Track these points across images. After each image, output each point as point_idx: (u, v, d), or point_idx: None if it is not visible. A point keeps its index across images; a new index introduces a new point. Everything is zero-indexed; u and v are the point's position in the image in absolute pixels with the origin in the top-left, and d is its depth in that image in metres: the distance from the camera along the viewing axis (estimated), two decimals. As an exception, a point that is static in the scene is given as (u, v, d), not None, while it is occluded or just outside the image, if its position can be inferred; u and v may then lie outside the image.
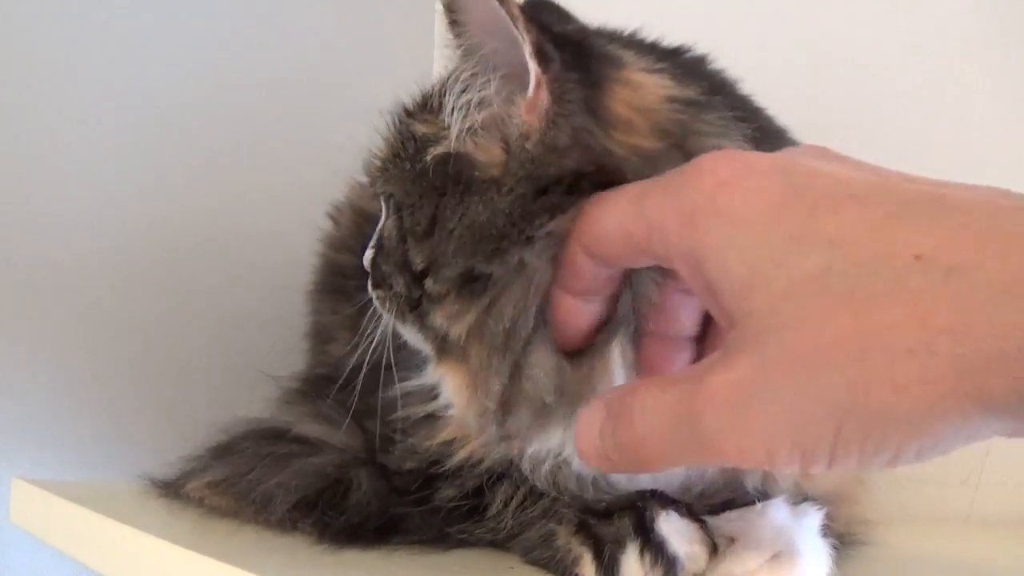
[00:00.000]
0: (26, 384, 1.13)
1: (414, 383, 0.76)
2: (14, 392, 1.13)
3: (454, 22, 0.64)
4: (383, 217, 0.75)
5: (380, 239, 0.75)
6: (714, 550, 0.60)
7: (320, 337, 1.11)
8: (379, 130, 0.73)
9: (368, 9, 1.47)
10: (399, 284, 0.71)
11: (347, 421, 0.82)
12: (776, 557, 0.59)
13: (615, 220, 0.56)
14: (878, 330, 0.41)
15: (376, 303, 0.75)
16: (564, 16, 0.75)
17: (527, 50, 0.60)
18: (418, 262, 0.68)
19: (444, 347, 0.68)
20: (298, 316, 1.16)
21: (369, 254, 0.76)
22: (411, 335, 0.73)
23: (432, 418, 0.74)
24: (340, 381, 0.90)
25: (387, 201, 0.73)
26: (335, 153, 1.25)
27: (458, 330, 0.66)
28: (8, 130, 1.12)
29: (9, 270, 1.13)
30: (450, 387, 0.69)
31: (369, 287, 0.76)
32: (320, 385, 0.96)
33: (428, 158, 0.67)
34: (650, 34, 0.73)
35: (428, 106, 0.70)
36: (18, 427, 1.13)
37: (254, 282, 1.27)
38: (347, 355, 1.00)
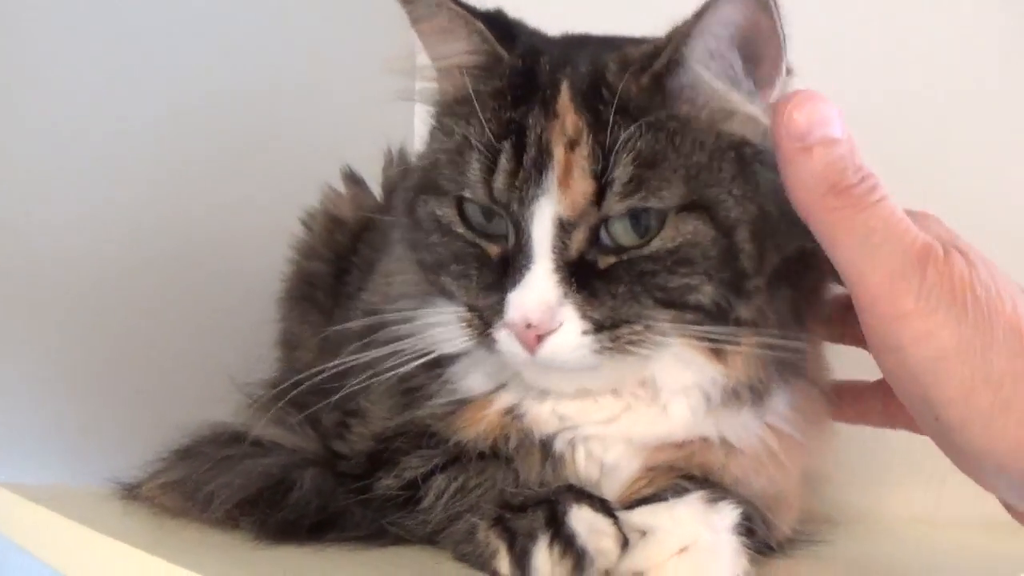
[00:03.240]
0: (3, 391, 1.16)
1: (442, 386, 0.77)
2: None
3: None
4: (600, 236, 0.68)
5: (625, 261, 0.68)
6: (625, 543, 0.62)
7: (289, 344, 1.14)
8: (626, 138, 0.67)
9: (348, 22, 1.49)
10: (710, 296, 0.68)
11: (303, 426, 0.85)
12: (684, 550, 0.61)
13: None
14: None
15: (597, 350, 0.67)
16: None
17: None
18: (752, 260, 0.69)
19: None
20: (271, 323, 1.18)
21: (553, 294, 0.67)
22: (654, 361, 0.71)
23: (454, 404, 0.76)
24: (304, 387, 0.93)
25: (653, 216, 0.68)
26: (311, 160, 1.28)
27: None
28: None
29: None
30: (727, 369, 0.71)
31: (582, 335, 0.67)
32: (286, 391, 0.98)
33: (731, 137, 0.69)
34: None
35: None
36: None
37: (228, 289, 1.29)
38: (314, 361, 1.03)
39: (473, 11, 0.73)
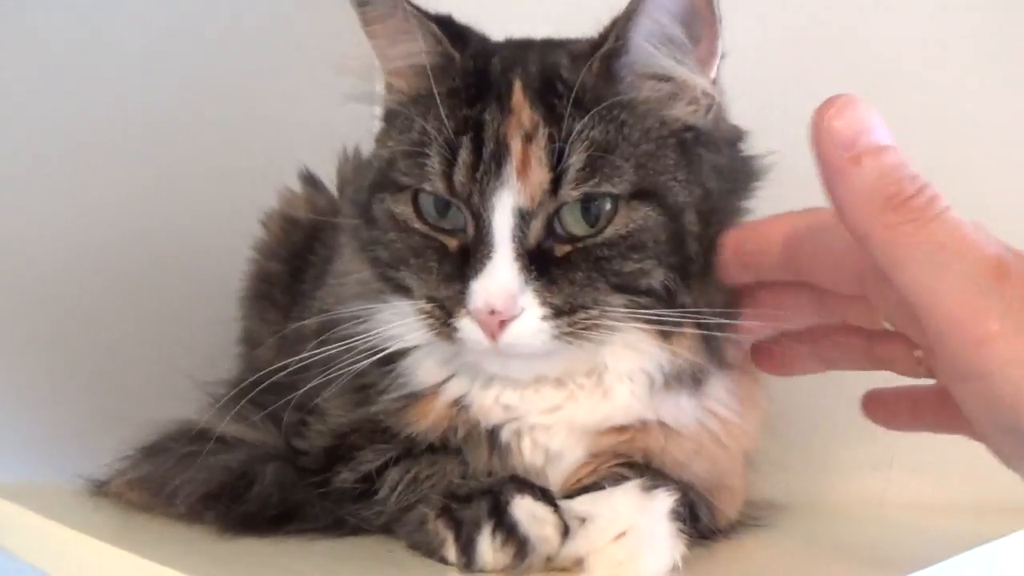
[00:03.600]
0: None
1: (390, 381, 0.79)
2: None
3: None
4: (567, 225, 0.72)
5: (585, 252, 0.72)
6: (565, 531, 0.65)
7: (250, 342, 1.17)
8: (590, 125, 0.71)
9: (308, 27, 1.50)
10: (660, 280, 0.72)
11: (264, 422, 0.88)
12: (621, 536, 0.64)
13: None
14: None
15: (556, 335, 0.71)
16: None
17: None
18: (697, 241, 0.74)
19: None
20: (233, 322, 1.21)
21: (515, 281, 0.70)
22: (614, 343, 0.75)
23: (404, 398, 0.79)
24: (264, 384, 0.96)
25: (615, 200, 0.72)
26: (274, 161, 1.30)
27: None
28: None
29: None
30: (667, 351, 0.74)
31: (542, 321, 0.71)
32: (248, 388, 1.01)
33: (674, 124, 0.75)
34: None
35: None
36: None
37: (193, 288, 1.32)
38: (274, 359, 1.06)
39: (427, 14, 0.77)
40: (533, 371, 0.75)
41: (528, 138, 0.71)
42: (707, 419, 0.78)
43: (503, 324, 0.69)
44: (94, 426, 1.20)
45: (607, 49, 0.73)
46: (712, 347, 0.76)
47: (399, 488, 0.76)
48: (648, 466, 0.77)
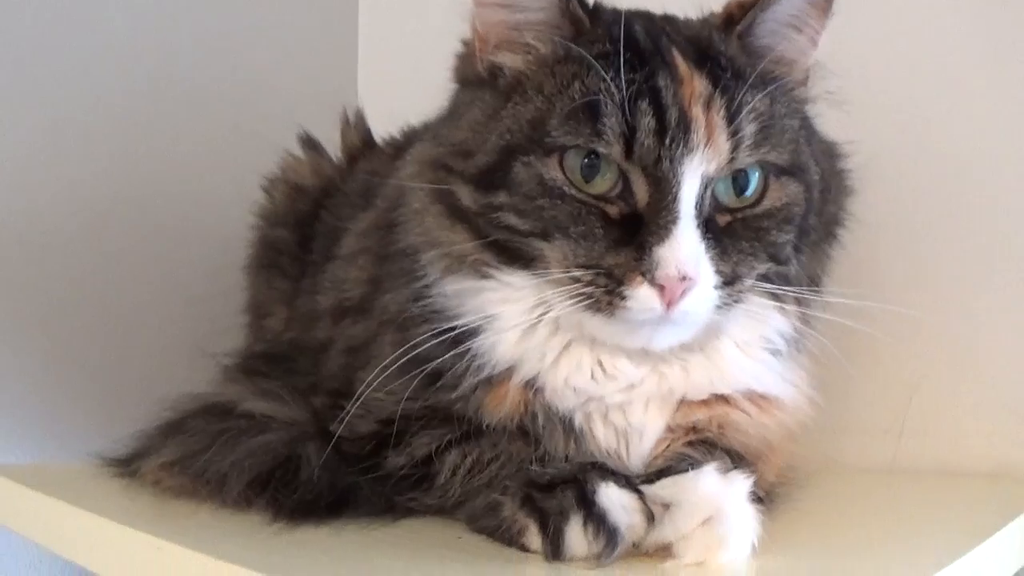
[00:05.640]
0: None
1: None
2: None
3: None
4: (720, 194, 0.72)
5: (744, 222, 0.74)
6: (651, 517, 0.64)
7: (258, 312, 1.14)
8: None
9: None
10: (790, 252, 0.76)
11: (292, 396, 0.86)
12: (707, 521, 0.63)
13: None
14: None
15: (719, 304, 0.72)
16: None
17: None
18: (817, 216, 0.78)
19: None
20: (236, 291, 1.18)
21: (701, 247, 0.70)
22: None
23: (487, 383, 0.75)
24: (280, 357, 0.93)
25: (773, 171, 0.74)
26: (269, 126, 1.27)
27: None
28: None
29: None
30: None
31: (714, 289, 0.71)
32: (260, 360, 0.99)
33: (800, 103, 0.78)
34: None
35: None
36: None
37: (193, 257, 1.30)
38: (284, 330, 1.04)
39: None
40: (677, 340, 0.74)
41: (707, 106, 0.71)
42: (788, 391, 0.79)
43: (684, 292, 0.69)
44: (91, 402, 1.20)
45: (743, 27, 0.75)
46: (810, 319, 0.78)
47: (461, 472, 0.74)
48: (708, 442, 0.76)
